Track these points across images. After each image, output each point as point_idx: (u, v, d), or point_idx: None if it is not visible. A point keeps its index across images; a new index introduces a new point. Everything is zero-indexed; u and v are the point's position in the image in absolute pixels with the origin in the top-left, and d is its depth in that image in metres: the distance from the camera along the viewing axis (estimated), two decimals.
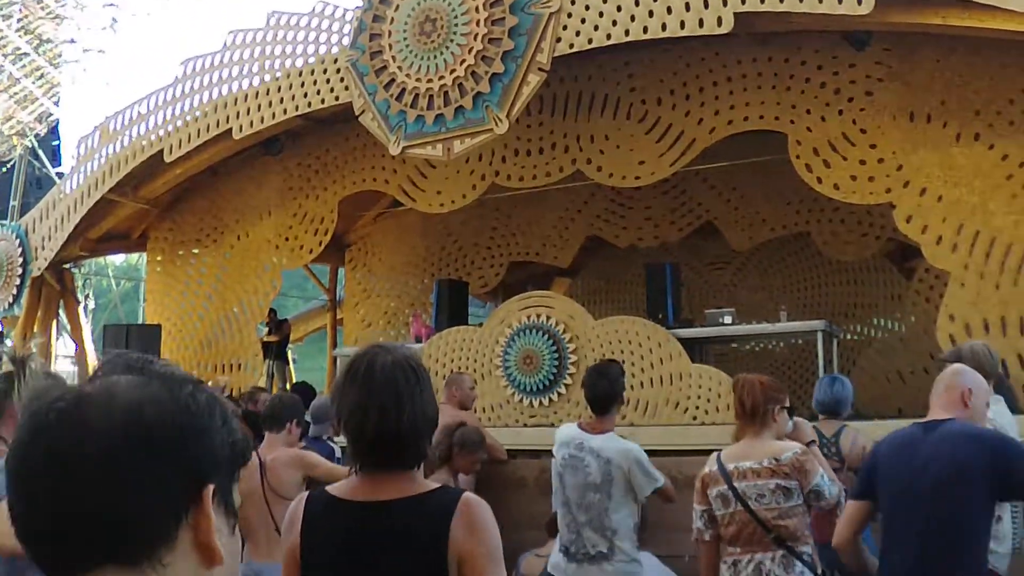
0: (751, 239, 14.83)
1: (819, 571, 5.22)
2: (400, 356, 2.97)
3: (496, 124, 9.93)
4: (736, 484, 5.20)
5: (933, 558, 4.26)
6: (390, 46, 10.59)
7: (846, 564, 4.87)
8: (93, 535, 1.20)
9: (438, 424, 3.12)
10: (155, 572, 1.22)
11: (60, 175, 20.66)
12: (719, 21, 9.17)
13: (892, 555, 4.45)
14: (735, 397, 5.42)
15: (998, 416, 5.24)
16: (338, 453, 8.00)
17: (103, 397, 1.25)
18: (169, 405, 1.26)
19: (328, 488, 3.02)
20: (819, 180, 10.16)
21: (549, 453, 9.06)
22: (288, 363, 15.28)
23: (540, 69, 9.74)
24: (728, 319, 11.12)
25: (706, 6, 9.20)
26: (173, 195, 14.24)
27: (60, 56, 21.73)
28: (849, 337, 14.23)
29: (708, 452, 8.14)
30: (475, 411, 10.06)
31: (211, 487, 1.27)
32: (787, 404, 5.50)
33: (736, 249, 15.23)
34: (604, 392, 6.44)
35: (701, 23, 9.26)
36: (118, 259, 31.14)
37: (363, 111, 10.84)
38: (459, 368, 10.75)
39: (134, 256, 27.62)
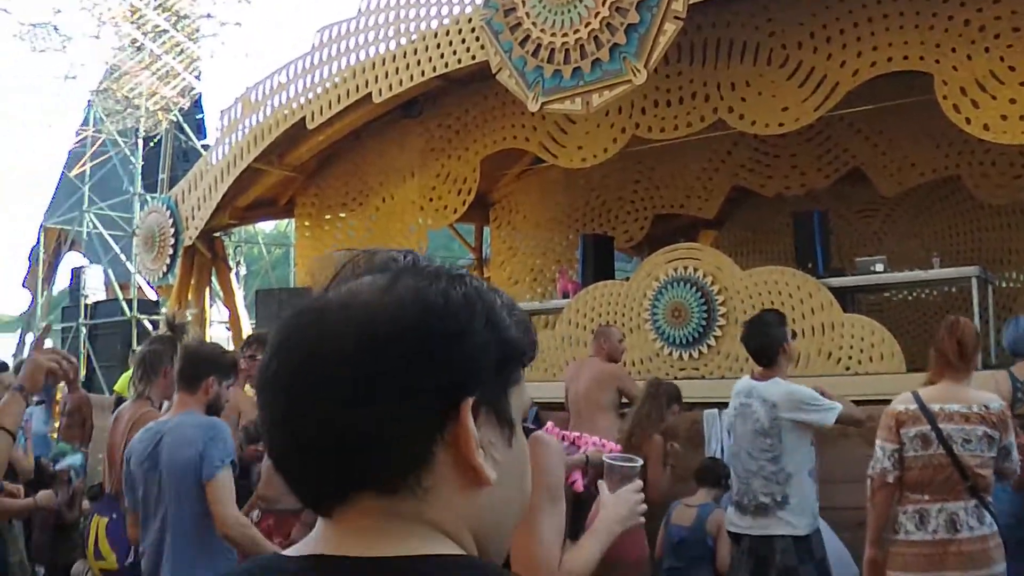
0: (900, 184, 14.43)
1: None
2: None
3: (635, 75, 9.81)
4: (941, 425, 5.06)
5: None
6: (523, 2, 10.50)
7: None
8: (339, 458, 1.12)
9: None
10: (415, 497, 1.13)
11: (205, 147, 20.98)
12: None
13: None
14: (950, 338, 5.26)
15: None
16: None
17: (340, 305, 1.16)
18: (413, 306, 1.14)
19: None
20: (968, 121, 9.80)
21: (700, 406, 9.07)
22: None
23: (676, 17, 9.57)
24: (880, 267, 10.87)
25: None
26: (317, 161, 14.43)
27: (198, 31, 22.11)
28: (1004, 285, 13.83)
29: (860, 403, 8.06)
30: (624, 364, 10.08)
31: (471, 400, 1.14)
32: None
33: (884, 195, 14.86)
34: (759, 343, 6.41)
35: None
36: (267, 226, 31.75)
37: (500, 69, 10.82)
38: (607, 323, 10.71)
39: (283, 223, 28.10)
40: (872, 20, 10.26)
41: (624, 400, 9.05)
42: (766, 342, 6.35)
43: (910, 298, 15.19)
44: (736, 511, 6.32)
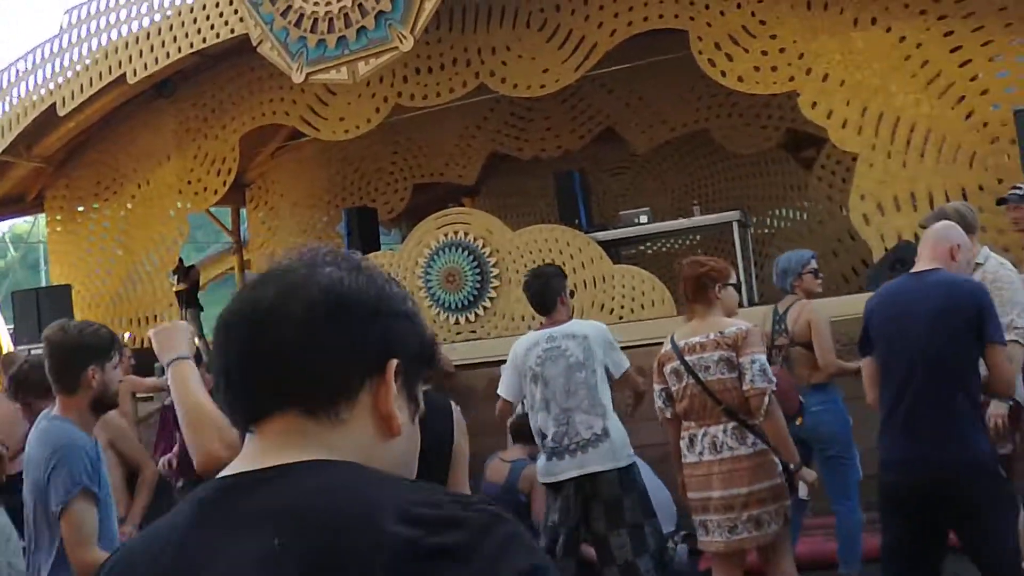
0: (651, 140, 15.01)
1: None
2: None
3: (401, 41, 9.86)
4: (687, 358, 5.40)
5: (929, 387, 4.48)
6: None
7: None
8: (282, 379, 1.35)
9: None
10: (331, 423, 1.35)
11: None
12: None
13: (886, 393, 4.64)
14: (682, 281, 5.60)
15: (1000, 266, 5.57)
16: None
17: (307, 270, 1.41)
18: (366, 284, 1.41)
19: None
20: (723, 74, 10.26)
21: (484, 366, 9.21)
22: (201, 310, 15.09)
23: None
24: (644, 219, 11.25)
25: None
26: (66, 151, 13.88)
27: None
28: (755, 230, 14.50)
29: (640, 347, 8.37)
30: None
31: (395, 361, 1.39)
32: (731, 281, 5.68)
33: (637, 152, 15.38)
34: (538, 289, 6.59)
35: None
36: (3, 227, 30.43)
37: (261, 41, 10.69)
38: None
39: (19, 224, 26.93)
40: None
41: None
42: (547, 290, 6.57)
43: (669, 247, 15.73)
44: (553, 459, 6.41)
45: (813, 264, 7.02)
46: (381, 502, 1.23)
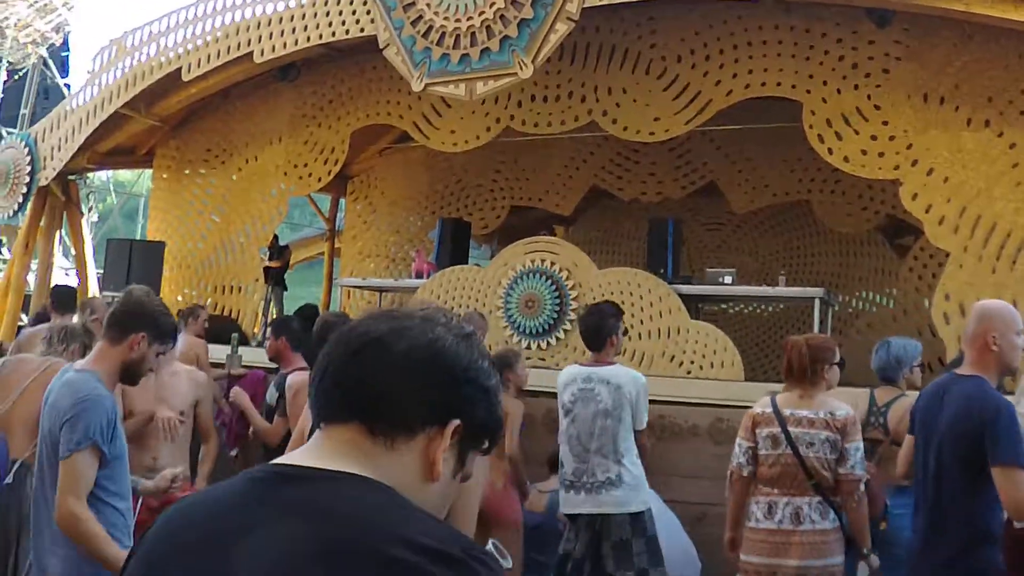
0: (752, 202, 15.03)
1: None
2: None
3: (521, 68, 10.05)
4: (791, 429, 5.49)
5: (934, 504, 4.54)
6: None
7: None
8: (362, 396, 1.61)
9: None
10: (385, 448, 1.59)
11: (68, 86, 20.47)
12: None
13: (916, 492, 4.74)
14: (785, 358, 5.69)
15: None
16: None
17: (422, 322, 1.68)
18: (464, 352, 1.65)
19: None
20: (830, 151, 10.31)
21: (547, 395, 9.34)
22: (285, 290, 15.41)
23: (569, 18, 9.84)
24: (728, 279, 11.31)
25: None
26: (183, 114, 14.32)
27: None
28: (837, 309, 14.49)
29: (699, 405, 8.48)
30: None
31: (457, 422, 1.61)
32: (837, 360, 5.76)
33: (735, 211, 15.43)
34: (594, 325, 6.81)
35: None
36: (109, 175, 31.16)
37: (387, 44, 10.93)
38: (462, 306, 10.96)
39: (122, 173, 27.49)
40: (751, 44, 10.70)
41: None
42: (600, 325, 6.78)
43: (746, 312, 15.81)
44: (571, 492, 6.67)
45: (920, 357, 6.90)
46: (399, 526, 1.44)
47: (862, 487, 5.46)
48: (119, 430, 4.23)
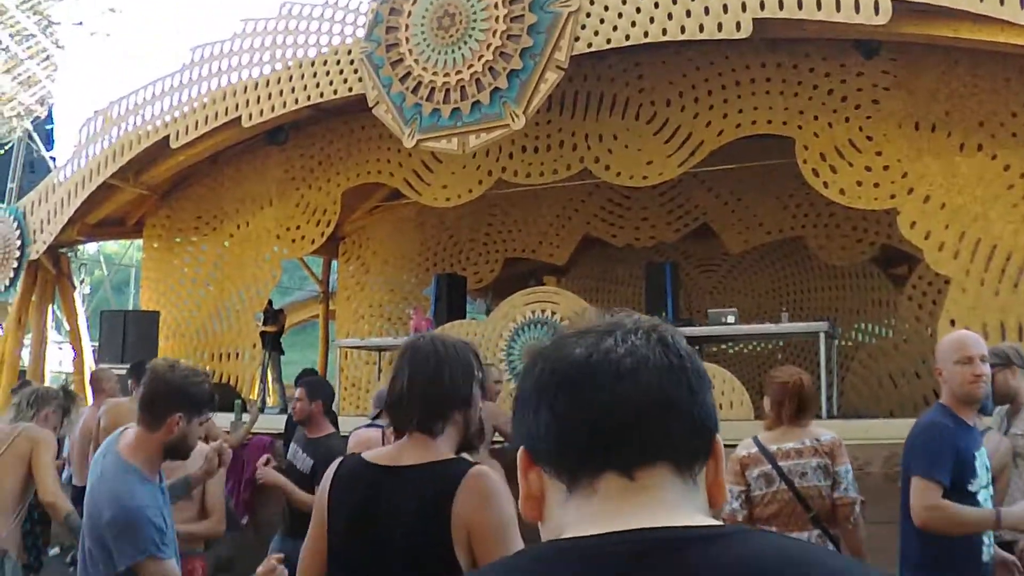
0: (746, 242, 15.04)
1: None
2: (438, 337, 3.19)
3: (513, 120, 10.06)
4: (781, 463, 5.41)
5: (901, 528, 4.65)
6: (407, 39, 10.68)
7: None
8: (662, 433, 1.33)
9: (467, 403, 3.19)
10: (692, 483, 1.33)
11: (54, 159, 20.44)
12: (737, 26, 9.30)
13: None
14: (778, 396, 5.61)
15: None
16: None
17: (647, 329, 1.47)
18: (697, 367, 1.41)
19: (364, 452, 3.22)
20: (825, 185, 10.34)
21: None
22: (282, 354, 15.31)
23: (558, 67, 9.87)
24: (731, 319, 11.27)
25: (725, 11, 9.33)
26: (172, 182, 14.28)
27: (59, 39, 21.44)
28: (839, 341, 14.46)
29: None
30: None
31: (719, 438, 1.38)
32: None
33: (730, 251, 15.42)
34: None
35: (720, 27, 9.38)
36: (97, 247, 31.21)
37: (377, 103, 10.94)
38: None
39: (110, 245, 27.45)
40: (740, 83, 10.75)
41: (497, 438, 9.12)
42: None
43: (747, 351, 15.77)
44: None
45: None
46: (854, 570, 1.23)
47: (857, 509, 5.38)
48: (168, 522, 4.00)
